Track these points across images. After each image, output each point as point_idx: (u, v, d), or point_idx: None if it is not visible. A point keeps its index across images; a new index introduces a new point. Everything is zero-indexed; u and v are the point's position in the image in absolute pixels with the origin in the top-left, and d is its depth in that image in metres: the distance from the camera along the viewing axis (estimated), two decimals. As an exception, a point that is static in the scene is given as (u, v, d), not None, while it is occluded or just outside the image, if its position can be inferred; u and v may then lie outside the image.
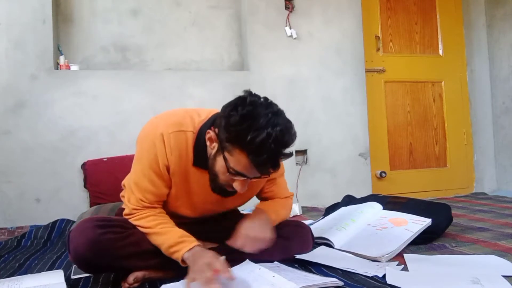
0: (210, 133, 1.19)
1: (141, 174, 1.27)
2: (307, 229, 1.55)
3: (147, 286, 1.29)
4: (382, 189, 3.15)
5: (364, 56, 3.19)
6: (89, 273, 1.34)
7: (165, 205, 1.33)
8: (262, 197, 1.51)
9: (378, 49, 3.34)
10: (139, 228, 1.27)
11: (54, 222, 2.22)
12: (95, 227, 1.22)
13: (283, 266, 1.36)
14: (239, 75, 2.89)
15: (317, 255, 1.49)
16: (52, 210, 2.48)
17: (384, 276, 1.28)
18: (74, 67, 2.67)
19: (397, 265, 1.41)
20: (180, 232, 1.24)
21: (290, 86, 2.98)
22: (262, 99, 1.15)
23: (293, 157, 2.95)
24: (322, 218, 2.09)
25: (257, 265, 1.28)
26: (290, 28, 2.99)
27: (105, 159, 2.54)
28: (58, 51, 2.72)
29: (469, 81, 3.56)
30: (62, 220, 2.25)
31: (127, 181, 1.34)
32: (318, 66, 3.06)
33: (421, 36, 3.47)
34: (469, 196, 3.24)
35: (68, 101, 2.60)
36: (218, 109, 1.21)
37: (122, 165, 2.28)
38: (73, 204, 2.53)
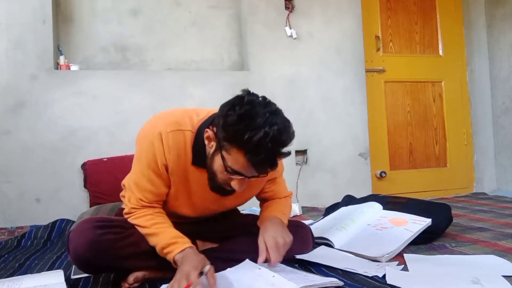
0: (209, 132, 1.19)
1: (140, 174, 1.27)
2: (307, 229, 1.54)
3: (147, 286, 1.29)
4: (382, 189, 3.15)
5: (364, 56, 3.19)
6: (89, 273, 1.34)
7: (165, 205, 1.33)
8: (262, 196, 1.50)
9: (378, 49, 3.34)
10: (136, 227, 1.27)
11: (54, 222, 2.22)
12: (95, 227, 1.22)
13: (283, 266, 1.35)
14: (239, 75, 2.89)
15: (317, 255, 1.49)
16: (52, 210, 2.48)
17: (384, 276, 1.27)
18: (74, 67, 2.67)
19: (397, 265, 1.41)
20: (173, 232, 1.23)
21: (290, 86, 2.98)
22: (260, 98, 1.15)
23: (293, 157, 2.97)
24: (322, 218, 2.09)
25: (257, 265, 1.28)
26: (290, 28, 2.99)
27: (105, 159, 2.54)
28: (58, 51, 2.72)
29: (469, 81, 3.57)
30: (62, 220, 2.25)
31: (127, 181, 1.34)
32: (318, 66, 3.06)
33: (421, 36, 3.47)
34: (469, 196, 3.24)
35: (68, 101, 2.60)
36: (217, 109, 1.21)
37: (122, 165, 2.28)
38: (73, 204, 2.53)
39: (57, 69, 2.65)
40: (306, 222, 1.91)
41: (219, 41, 3.06)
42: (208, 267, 1.14)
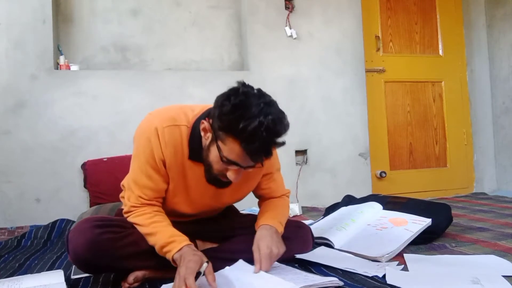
0: (204, 124, 1.21)
1: (139, 171, 1.28)
2: (307, 229, 1.55)
3: (147, 286, 1.29)
4: (382, 189, 3.15)
5: (364, 56, 3.19)
6: (89, 273, 1.34)
7: (164, 203, 1.33)
8: (259, 193, 1.50)
9: (378, 49, 3.34)
10: (135, 226, 1.27)
11: (54, 222, 2.22)
12: (94, 227, 1.23)
13: (283, 266, 1.35)
14: (239, 75, 2.88)
15: (317, 255, 1.49)
16: (52, 210, 2.48)
17: (384, 276, 1.27)
18: (74, 67, 2.67)
19: (397, 265, 1.41)
20: (171, 231, 1.23)
21: (290, 86, 2.98)
22: (255, 90, 1.17)
23: (293, 157, 2.97)
24: (322, 218, 2.09)
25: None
26: (290, 28, 2.99)
27: (105, 159, 2.54)
28: (58, 51, 2.72)
29: (469, 81, 3.57)
30: (62, 220, 2.25)
31: (126, 182, 1.35)
32: (318, 66, 3.06)
33: (421, 36, 3.47)
34: (469, 196, 3.24)
35: (68, 101, 2.60)
36: (213, 105, 1.22)
37: (122, 165, 2.27)
38: (73, 204, 2.53)
39: (57, 69, 2.65)
40: (306, 222, 1.91)
41: (219, 41, 3.06)
42: (205, 265, 1.14)
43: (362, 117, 3.13)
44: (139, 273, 1.27)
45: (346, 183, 3.05)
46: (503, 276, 1.22)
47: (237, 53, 3.09)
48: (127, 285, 1.26)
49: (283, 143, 1.15)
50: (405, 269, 1.37)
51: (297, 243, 1.48)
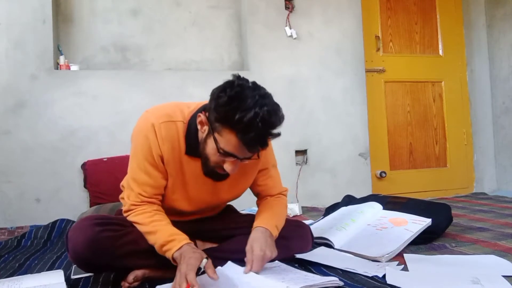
0: (201, 117, 1.22)
1: (137, 169, 1.29)
2: (306, 228, 1.55)
3: (147, 286, 1.29)
4: (382, 189, 3.15)
5: (364, 56, 3.19)
6: (88, 272, 1.34)
7: (163, 201, 1.34)
8: (256, 190, 1.50)
9: (378, 49, 3.34)
10: (135, 225, 1.27)
11: (54, 222, 2.22)
12: (94, 225, 1.23)
13: (284, 266, 1.36)
14: (239, 75, 2.89)
15: (317, 255, 1.49)
16: (52, 210, 2.48)
17: (384, 276, 1.27)
18: (74, 67, 2.67)
19: (397, 265, 1.41)
20: (171, 230, 1.24)
21: (290, 86, 2.98)
22: (249, 83, 1.18)
23: (293, 157, 2.97)
24: (322, 218, 2.09)
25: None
26: (290, 28, 2.99)
27: (105, 159, 2.54)
28: (58, 51, 2.72)
29: (469, 81, 3.56)
30: (62, 220, 2.24)
31: (125, 181, 1.35)
32: (318, 66, 3.06)
33: (421, 36, 3.47)
34: (469, 196, 3.24)
35: (68, 101, 2.60)
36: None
37: (122, 165, 2.26)
38: (73, 204, 2.53)
39: (57, 69, 2.65)
40: (306, 222, 1.91)
41: (219, 41, 3.06)
42: (205, 261, 1.16)
43: (362, 117, 3.13)
44: (138, 272, 1.27)
45: (346, 183, 3.05)
46: (503, 276, 1.22)
47: (237, 53, 3.10)
48: (127, 284, 1.26)
49: (278, 134, 1.17)
50: (405, 269, 1.37)
51: (296, 242, 1.48)
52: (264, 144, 1.17)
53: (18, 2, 2.55)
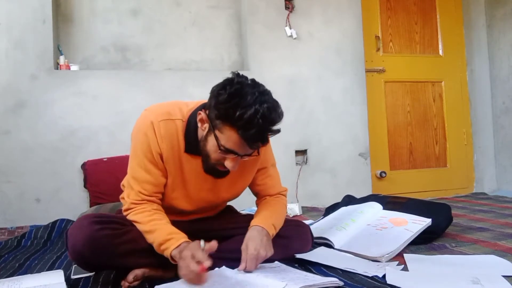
0: (201, 114, 1.23)
1: (137, 167, 1.29)
2: (306, 228, 1.55)
3: (146, 286, 1.28)
4: (382, 189, 3.15)
5: (364, 56, 3.19)
6: (88, 270, 1.34)
7: (163, 200, 1.35)
8: (256, 189, 1.51)
9: (378, 49, 3.34)
10: (134, 224, 1.28)
11: (54, 222, 2.21)
12: (93, 223, 1.23)
13: (284, 266, 1.36)
14: (239, 75, 2.89)
15: (317, 255, 1.49)
16: (52, 210, 2.48)
17: (384, 276, 1.28)
18: (74, 67, 2.67)
19: (397, 265, 1.41)
20: (169, 229, 1.25)
21: (290, 86, 2.98)
22: (249, 80, 1.19)
23: (293, 157, 2.97)
24: (322, 218, 2.09)
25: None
26: (290, 28, 2.99)
27: (105, 159, 2.54)
28: (58, 51, 2.72)
29: (469, 81, 3.56)
30: (62, 220, 2.24)
31: (126, 181, 1.36)
32: (318, 66, 3.06)
33: (421, 36, 3.47)
34: (469, 196, 3.24)
35: (68, 101, 2.60)
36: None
37: (122, 165, 2.26)
38: (73, 204, 2.53)
39: (57, 69, 2.65)
40: (306, 222, 1.91)
41: (219, 41, 3.06)
42: (203, 242, 1.18)
43: (362, 117, 3.13)
44: (138, 272, 1.27)
45: (346, 183, 3.05)
46: (503, 276, 1.22)
47: (237, 53, 3.10)
48: (127, 284, 1.26)
49: (278, 131, 1.19)
50: (405, 269, 1.37)
51: (296, 242, 1.48)
52: (264, 140, 1.18)
53: (18, 2, 2.55)
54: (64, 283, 1.22)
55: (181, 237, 1.22)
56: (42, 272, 1.46)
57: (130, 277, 1.26)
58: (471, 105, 3.56)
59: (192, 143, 1.29)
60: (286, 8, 3.01)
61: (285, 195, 1.54)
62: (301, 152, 3.01)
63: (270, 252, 1.32)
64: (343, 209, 2.02)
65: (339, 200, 2.27)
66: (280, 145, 2.83)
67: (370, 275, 1.29)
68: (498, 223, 2.10)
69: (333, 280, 1.21)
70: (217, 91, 1.18)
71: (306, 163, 3.01)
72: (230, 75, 1.21)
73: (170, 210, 1.35)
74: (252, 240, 1.31)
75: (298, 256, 1.45)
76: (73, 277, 1.40)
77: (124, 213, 1.31)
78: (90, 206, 2.42)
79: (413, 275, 1.30)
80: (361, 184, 3.08)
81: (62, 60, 2.67)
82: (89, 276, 1.39)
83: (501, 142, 3.45)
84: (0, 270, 1.55)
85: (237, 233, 1.44)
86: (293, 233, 1.49)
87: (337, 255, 1.54)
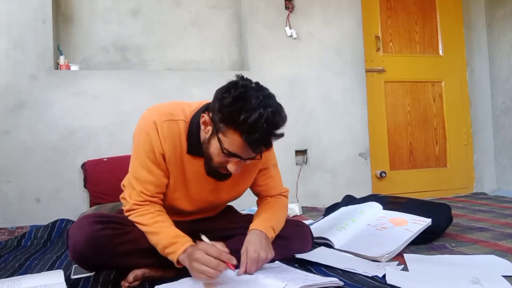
0: (205, 117, 1.23)
1: (139, 167, 1.29)
2: (306, 228, 1.55)
3: (147, 286, 1.28)
4: (382, 189, 3.15)
5: (364, 56, 3.19)
6: (89, 270, 1.34)
7: (164, 200, 1.34)
8: (257, 190, 1.50)
9: (378, 49, 3.34)
10: (137, 225, 1.27)
11: (54, 222, 2.22)
12: (94, 223, 1.23)
13: (284, 266, 1.36)
14: (239, 75, 2.89)
15: (317, 255, 1.49)
16: (52, 210, 2.48)
17: (384, 276, 1.28)
18: (74, 67, 2.67)
19: (397, 265, 1.41)
20: (174, 232, 1.24)
21: (290, 86, 2.98)
22: (253, 84, 1.19)
23: (293, 157, 2.97)
24: (322, 218, 2.09)
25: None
26: (290, 28, 2.99)
27: (105, 159, 2.54)
28: (58, 51, 2.72)
29: (469, 81, 3.57)
30: (62, 220, 2.24)
31: (127, 181, 1.35)
32: (318, 66, 3.06)
33: (421, 36, 3.47)
34: (469, 196, 3.24)
35: (68, 101, 2.60)
36: (210, 101, 1.25)
37: (122, 165, 2.27)
38: (73, 204, 2.53)
39: (57, 69, 2.65)
40: (306, 222, 1.91)
41: (219, 41, 3.06)
42: (205, 237, 1.21)
43: (362, 117, 3.13)
44: (138, 272, 1.27)
45: (346, 183, 3.05)
46: (503, 276, 1.22)
47: (237, 53, 3.10)
48: (127, 284, 1.26)
49: (282, 135, 1.18)
50: (405, 269, 1.37)
51: (296, 242, 1.48)
52: (268, 145, 1.18)
53: (18, 2, 2.55)
54: (64, 283, 1.22)
55: (186, 240, 1.22)
56: (42, 272, 1.46)
57: (130, 277, 1.26)
58: (471, 105, 3.56)
59: (195, 144, 1.28)
60: (286, 8, 3.01)
61: (286, 196, 1.54)
62: (301, 152, 3.01)
63: (271, 254, 1.32)
64: (343, 209, 2.02)
65: (339, 200, 2.27)
66: (280, 145, 2.82)
67: (370, 275, 1.29)
68: (498, 223, 2.10)
69: (333, 280, 1.21)
70: (221, 94, 1.16)
71: (306, 163, 3.01)
72: (232, 77, 1.20)
73: (171, 210, 1.35)
74: (251, 243, 1.31)
75: (298, 256, 1.45)
76: (73, 277, 1.40)
77: (126, 214, 1.31)
78: (90, 206, 2.42)
79: (413, 275, 1.30)
80: (361, 184, 3.08)
81: (62, 60, 2.67)
82: (89, 276, 1.39)
83: (501, 142, 3.45)
84: (0, 270, 1.55)
85: (237, 233, 1.44)
86: (293, 233, 1.48)
87: (337, 255, 1.54)
